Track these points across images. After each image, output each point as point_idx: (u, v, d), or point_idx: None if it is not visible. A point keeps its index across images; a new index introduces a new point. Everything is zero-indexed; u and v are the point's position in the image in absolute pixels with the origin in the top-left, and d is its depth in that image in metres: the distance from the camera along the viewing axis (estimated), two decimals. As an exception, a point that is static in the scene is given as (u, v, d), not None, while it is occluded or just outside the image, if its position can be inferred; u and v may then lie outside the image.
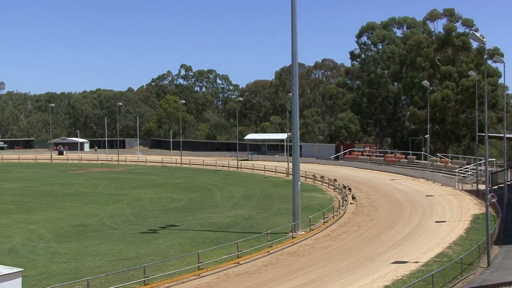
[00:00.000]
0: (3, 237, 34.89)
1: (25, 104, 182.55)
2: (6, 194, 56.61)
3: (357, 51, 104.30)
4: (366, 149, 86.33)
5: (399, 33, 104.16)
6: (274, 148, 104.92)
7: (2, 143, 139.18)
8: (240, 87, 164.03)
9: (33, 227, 38.34)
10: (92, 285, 22.44)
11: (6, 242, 33.43)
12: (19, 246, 32.27)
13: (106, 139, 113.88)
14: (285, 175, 69.91)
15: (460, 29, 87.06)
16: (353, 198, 48.67)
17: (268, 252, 30.16)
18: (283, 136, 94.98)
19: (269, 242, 31.03)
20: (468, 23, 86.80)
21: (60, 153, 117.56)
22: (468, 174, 60.48)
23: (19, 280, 20.13)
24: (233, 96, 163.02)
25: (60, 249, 31.42)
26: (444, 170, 65.00)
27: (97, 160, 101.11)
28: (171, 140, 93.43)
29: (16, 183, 66.58)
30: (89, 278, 22.87)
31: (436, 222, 38.02)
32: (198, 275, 25.81)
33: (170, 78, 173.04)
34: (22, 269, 20.76)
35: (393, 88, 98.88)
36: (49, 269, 27.01)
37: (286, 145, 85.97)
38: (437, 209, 43.20)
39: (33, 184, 65.52)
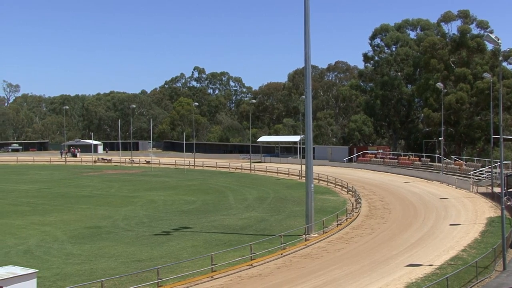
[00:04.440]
0: (18, 238, 35.14)
1: (39, 107, 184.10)
2: (21, 195, 57.03)
3: (371, 53, 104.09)
4: (379, 151, 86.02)
5: (412, 35, 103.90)
6: (287, 150, 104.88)
7: (17, 145, 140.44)
8: (253, 89, 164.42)
9: (48, 228, 38.56)
10: (106, 287, 22.54)
11: (22, 243, 33.66)
12: (34, 248, 32.47)
13: (120, 141, 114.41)
14: (298, 177, 69.82)
15: (475, 30, 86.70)
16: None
17: (281, 254, 30.11)
18: (296, 138, 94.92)
19: (282, 245, 30.98)
20: (483, 25, 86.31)
21: (74, 155, 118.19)
22: (483, 177, 60.03)
23: (34, 281, 20.28)
24: (246, 98, 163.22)
25: (75, 251, 31.58)
26: (459, 173, 64.59)
27: (111, 162, 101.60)
28: (184, 142, 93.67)
29: (31, 185, 67.06)
30: (103, 279, 22.95)
31: (451, 225, 37.78)
32: (212, 277, 25.82)
33: (183, 81, 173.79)
34: (37, 270, 20.92)
35: (407, 90, 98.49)
36: (63, 270, 27.16)
37: (299, 147, 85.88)
38: (452, 212, 42.92)
39: (47, 186, 65.95)
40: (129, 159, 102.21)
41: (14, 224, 40.27)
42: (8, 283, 19.40)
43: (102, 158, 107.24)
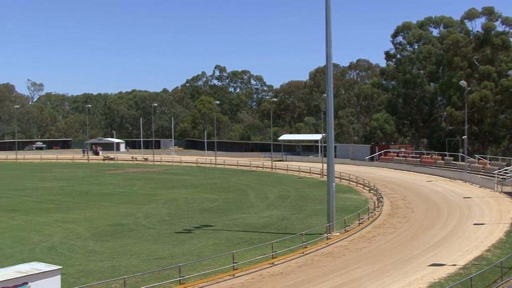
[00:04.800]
0: (43, 235, 35.55)
1: (63, 105, 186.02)
2: (45, 193, 57.69)
3: (393, 51, 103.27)
4: (402, 150, 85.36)
5: (435, 32, 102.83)
6: (308, 149, 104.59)
7: (41, 143, 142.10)
8: (274, 87, 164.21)
9: (71, 226, 38.95)
10: (129, 284, 22.68)
11: (46, 240, 34.05)
12: (58, 245, 32.83)
13: (142, 139, 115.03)
14: (319, 176, 69.61)
15: (500, 28, 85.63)
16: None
17: (303, 253, 30.06)
18: (318, 136, 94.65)
19: (304, 243, 30.92)
20: (508, 22, 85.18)
21: (96, 153, 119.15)
22: (508, 176, 59.21)
23: (58, 278, 20.50)
24: (267, 97, 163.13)
25: (97, 248, 31.85)
26: (483, 172, 63.78)
27: (133, 160, 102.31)
28: (205, 140, 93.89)
29: (54, 182, 67.81)
30: (125, 276, 23.12)
31: (474, 224, 37.35)
32: (233, 275, 25.86)
33: (204, 79, 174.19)
34: (61, 267, 21.13)
35: (430, 88, 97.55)
36: (87, 267, 27.41)
37: (321, 146, 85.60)
38: (475, 211, 42.44)
39: (71, 183, 66.64)
40: (132, 157, 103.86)
41: (39, 221, 40.76)
42: (33, 279, 19.64)
43: (108, 157, 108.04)
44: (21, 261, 24.37)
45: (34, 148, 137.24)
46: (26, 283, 19.43)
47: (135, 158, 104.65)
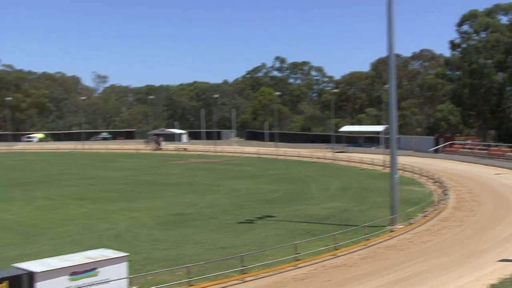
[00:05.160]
0: (109, 223, 36.53)
1: (126, 97, 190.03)
2: (110, 182, 59.24)
3: (458, 40, 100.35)
4: (468, 141, 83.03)
5: (504, 20, 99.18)
6: (370, 140, 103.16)
7: (106, 133, 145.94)
8: (335, 78, 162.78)
9: (136, 214, 39.84)
10: (192, 272, 22.99)
11: (112, 228, 34.98)
12: (123, 232, 33.66)
13: (203, 130, 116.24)
14: (382, 167, 68.59)
15: None
16: None
17: (366, 245, 29.72)
18: (380, 128, 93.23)
19: (367, 235, 30.57)
20: None
21: (158, 144, 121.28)
22: None
23: (125, 264, 21.03)
24: (328, 88, 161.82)
25: (161, 237, 32.46)
26: (553, 165, 61.35)
27: (195, 151, 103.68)
28: (266, 131, 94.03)
29: (119, 172, 69.51)
30: (189, 265, 23.46)
31: (545, 219, 35.99)
32: (295, 266, 25.84)
33: (264, 70, 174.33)
34: (128, 254, 21.66)
35: (498, 78, 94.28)
36: (151, 255, 27.99)
37: (383, 137, 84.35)
38: (546, 206, 40.88)
39: (134, 173, 68.15)
40: (177, 147, 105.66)
41: (105, 210, 41.91)
42: (102, 265, 20.23)
43: (181, 148, 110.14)
44: (89, 248, 25.11)
45: (99, 138, 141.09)
46: (95, 268, 20.04)
47: (182, 148, 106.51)
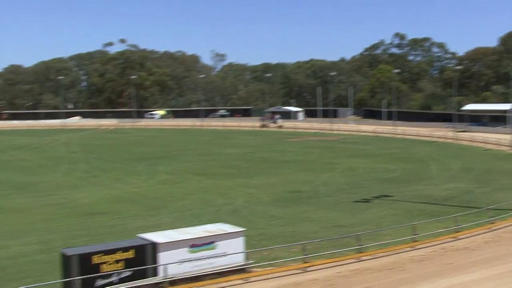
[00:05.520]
0: (227, 198, 37.39)
1: (243, 75, 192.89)
2: (228, 159, 60.59)
3: None
4: None
5: None
6: (496, 120, 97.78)
7: (224, 111, 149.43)
8: (458, 55, 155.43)
9: (252, 191, 40.46)
10: (308, 249, 22.98)
11: (230, 203, 35.77)
12: (240, 208, 34.31)
13: (319, 108, 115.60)
14: (509, 148, 64.88)
15: None
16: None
17: (490, 228, 28.24)
18: (507, 106, 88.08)
19: (491, 218, 29.04)
20: None
21: (274, 122, 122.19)
22: None
23: (242, 239, 21.39)
24: (450, 65, 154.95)
25: (277, 213, 32.73)
26: None
27: (311, 129, 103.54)
28: (384, 110, 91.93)
29: (236, 149, 70.91)
30: (305, 242, 23.47)
31: None
32: (413, 247, 25.09)
33: (383, 47, 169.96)
34: (244, 229, 22.02)
35: None
36: (267, 231, 28.31)
37: (511, 116, 79.62)
38: None
39: (251, 150, 69.22)
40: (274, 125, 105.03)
41: (223, 185, 42.93)
42: (220, 239, 20.71)
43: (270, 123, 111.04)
44: (208, 222, 25.81)
45: (217, 115, 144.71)
46: (214, 242, 20.55)
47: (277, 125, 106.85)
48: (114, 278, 18.58)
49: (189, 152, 66.86)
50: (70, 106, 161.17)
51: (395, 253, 24.27)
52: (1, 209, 34.25)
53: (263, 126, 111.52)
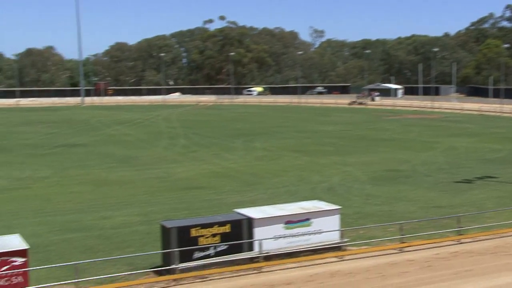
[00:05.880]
0: (322, 176, 37.19)
1: (342, 51, 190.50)
2: (324, 136, 60.20)
3: None
4: None
5: None
6: None
7: (322, 88, 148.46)
8: None
9: (349, 168, 39.99)
10: (405, 230, 22.45)
11: (326, 181, 35.55)
12: (336, 186, 34.03)
13: (420, 85, 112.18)
14: None
15: None
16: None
17: None
18: None
19: None
20: None
21: (372, 99, 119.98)
22: None
23: (337, 217, 21.23)
24: None
25: (374, 192, 32.18)
26: None
27: (410, 106, 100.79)
28: (490, 87, 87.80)
29: (333, 126, 70.29)
30: (402, 222, 22.93)
31: None
32: (519, 231, 23.88)
33: (492, 21, 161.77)
34: (340, 207, 21.82)
35: None
36: (363, 209, 27.93)
37: None
38: None
39: (348, 128, 68.40)
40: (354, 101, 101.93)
41: (319, 163, 42.73)
42: (315, 216, 20.65)
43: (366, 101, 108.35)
44: (303, 199, 25.80)
45: (315, 92, 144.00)
46: (309, 219, 20.53)
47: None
48: (211, 251, 19.03)
49: (285, 129, 67.04)
50: (171, 82, 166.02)
51: (499, 237, 23.19)
52: (106, 181, 35.93)
53: (352, 103, 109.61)
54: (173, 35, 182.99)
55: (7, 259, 16.40)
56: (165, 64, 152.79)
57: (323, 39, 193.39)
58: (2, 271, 16.27)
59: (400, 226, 22.46)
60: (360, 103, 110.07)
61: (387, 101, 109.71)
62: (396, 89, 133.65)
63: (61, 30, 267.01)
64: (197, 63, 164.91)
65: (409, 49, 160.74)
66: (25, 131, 66.51)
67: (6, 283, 16.35)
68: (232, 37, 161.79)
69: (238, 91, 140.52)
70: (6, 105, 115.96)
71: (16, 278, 16.52)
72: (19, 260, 16.58)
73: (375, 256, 20.94)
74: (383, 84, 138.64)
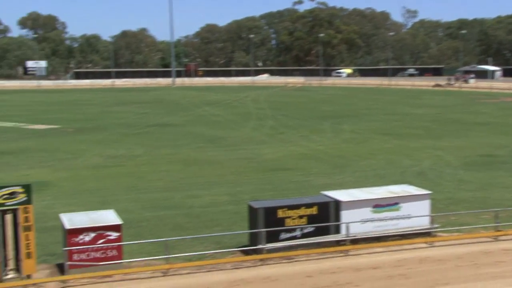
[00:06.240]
0: (413, 160, 36.26)
1: (436, 32, 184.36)
2: (415, 119, 58.66)
3: None
4: None
5: None
6: None
7: (414, 70, 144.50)
8: None
9: (440, 153, 38.76)
10: (500, 218, 21.51)
11: (416, 165, 34.64)
12: (426, 170, 33.07)
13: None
14: None
15: None
16: None
17: None
18: None
19: None
20: None
21: (466, 81, 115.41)
22: None
23: (427, 202, 20.66)
24: None
25: (466, 177, 31.03)
26: None
27: (510, 89, 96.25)
28: None
29: (425, 109, 68.35)
30: (498, 209, 21.95)
31: None
32: None
33: None
34: (431, 192, 21.20)
35: None
36: (455, 195, 27.00)
37: None
38: None
39: (441, 111, 66.29)
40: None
41: (409, 146, 41.69)
42: (404, 201, 20.18)
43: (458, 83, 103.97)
44: (392, 182, 25.26)
45: (406, 74, 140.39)
46: (398, 203, 20.09)
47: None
48: (297, 233, 19.04)
49: (375, 111, 65.86)
50: (260, 64, 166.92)
51: None
52: (195, 161, 36.69)
53: (437, 85, 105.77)
54: (263, 17, 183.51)
55: (103, 233, 17.14)
56: (254, 45, 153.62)
57: (416, 20, 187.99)
58: (98, 244, 17.04)
59: (495, 213, 21.53)
60: (449, 85, 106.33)
61: (483, 84, 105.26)
62: (493, 71, 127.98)
63: (154, 13, 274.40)
64: (286, 44, 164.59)
65: (510, 28, 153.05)
66: (119, 111, 69.10)
67: (102, 255, 17.12)
68: (322, 18, 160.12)
69: (327, 73, 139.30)
70: (103, 85, 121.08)
71: (111, 251, 17.25)
72: (114, 235, 17.28)
73: (468, 243, 20.21)
74: (479, 66, 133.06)
